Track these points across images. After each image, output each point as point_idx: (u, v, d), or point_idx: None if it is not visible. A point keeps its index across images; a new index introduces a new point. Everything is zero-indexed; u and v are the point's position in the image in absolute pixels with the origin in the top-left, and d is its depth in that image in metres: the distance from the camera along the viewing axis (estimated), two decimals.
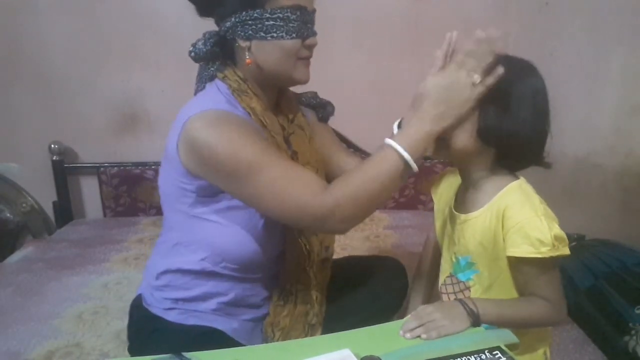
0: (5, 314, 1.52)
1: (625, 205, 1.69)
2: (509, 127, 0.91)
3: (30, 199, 2.34)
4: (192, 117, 0.99)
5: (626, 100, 1.69)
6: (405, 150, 0.92)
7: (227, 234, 1.07)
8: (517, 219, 0.91)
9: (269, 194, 0.97)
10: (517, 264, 0.94)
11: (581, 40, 1.88)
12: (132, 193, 2.33)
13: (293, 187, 0.96)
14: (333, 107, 1.31)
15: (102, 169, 2.30)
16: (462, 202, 1.04)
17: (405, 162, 0.92)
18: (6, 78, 2.21)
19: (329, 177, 1.23)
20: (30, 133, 2.28)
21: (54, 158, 2.26)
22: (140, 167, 2.30)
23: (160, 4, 2.15)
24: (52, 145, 2.24)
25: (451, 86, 0.91)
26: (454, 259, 1.05)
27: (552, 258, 0.89)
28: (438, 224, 1.13)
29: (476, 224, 0.98)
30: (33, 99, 2.25)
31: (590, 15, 1.84)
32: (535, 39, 2.15)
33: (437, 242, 1.15)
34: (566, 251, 0.90)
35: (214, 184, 1.03)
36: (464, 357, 0.81)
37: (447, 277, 1.07)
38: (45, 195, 2.33)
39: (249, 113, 1.04)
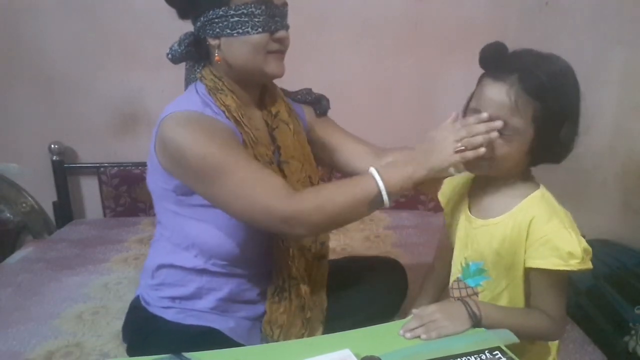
0: (5, 314, 1.51)
1: (625, 205, 1.69)
2: (559, 145, 0.91)
3: (30, 199, 2.34)
4: (166, 117, 1.02)
5: (626, 100, 1.68)
6: (383, 182, 0.95)
7: (209, 231, 1.09)
8: (544, 230, 0.89)
9: (235, 196, 0.99)
10: (535, 275, 0.92)
11: (581, 40, 1.88)
12: (132, 193, 2.33)
13: (259, 189, 0.98)
14: (328, 101, 1.32)
15: (102, 169, 2.31)
16: (478, 206, 1.01)
17: (379, 192, 0.95)
18: (6, 78, 2.21)
19: (341, 166, 1.26)
20: (30, 133, 2.28)
21: (54, 158, 2.26)
22: (140, 167, 2.30)
23: (160, 4, 2.14)
24: (52, 145, 2.24)
25: (437, 144, 0.94)
26: (463, 264, 1.02)
27: (576, 271, 0.88)
28: (449, 227, 1.11)
29: (495, 230, 0.95)
30: (33, 99, 2.25)
31: (590, 15, 1.83)
32: (535, 39, 2.14)
33: (449, 243, 1.13)
34: (590, 265, 0.88)
35: (185, 184, 1.04)
36: (465, 357, 0.81)
37: (455, 281, 1.05)
38: (45, 195, 2.33)
39: (223, 111, 1.05)
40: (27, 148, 2.30)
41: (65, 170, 2.29)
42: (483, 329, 0.89)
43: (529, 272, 0.93)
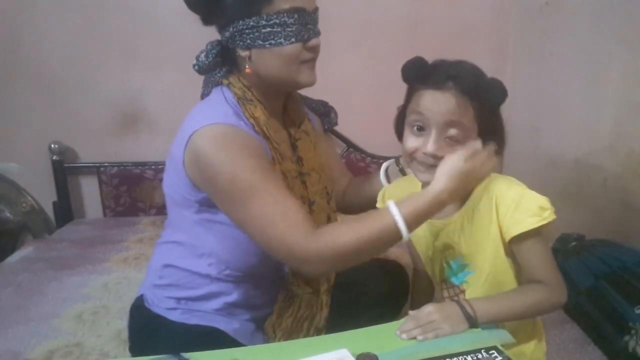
0: (5, 314, 1.51)
1: (625, 205, 1.69)
2: (498, 139, 0.98)
3: (30, 199, 2.34)
4: (199, 130, 0.98)
5: (626, 100, 1.68)
6: (405, 220, 0.91)
7: (228, 245, 1.07)
8: (510, 198, 0.93)
9: (256, 224, 0.97)
10: (519, 245, 0.94)
11: (581, 40, 1.88)
12: (132, 193, 2.34)
13: (282, 224, 0.94)
14: (336, 115, 1.31)
15: (102, 168, 2.31)
16: None
17: (399, 230, 0.92)
18: (6, 78, 2.22)
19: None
20: (30, 133, 2.28)
21: (54, 158, 2.26)
22: (140, 167, 2.31)
23: (160, 4, 2.15)
24: (52, 145, 2.24)
25: (472, 172, 0.92)
26: (444, 264, 1.04)
27: (549, 224, 0.91)
28: (413, 239, 1.11)
29: (462, 223, 0.99)
30: (33, 99, 2.25)
31: (590, 15, 1.83)
32: (535, 39, 2.15)
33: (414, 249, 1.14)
34: (554, 214, 0.92)
35: (212, 200, 1.03)
36: (461, 357, 0.81)
37: (442, 281, 1.07)
38: (45, 195, 2.34)
39: (252, 124, 1.03)
40: (27, 148, 2.30)
41: (65, 170, 2.30)
42: (479, 329, 0.90)
43: (511, 247, 0.95)
